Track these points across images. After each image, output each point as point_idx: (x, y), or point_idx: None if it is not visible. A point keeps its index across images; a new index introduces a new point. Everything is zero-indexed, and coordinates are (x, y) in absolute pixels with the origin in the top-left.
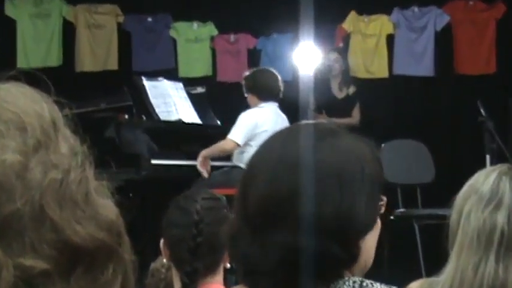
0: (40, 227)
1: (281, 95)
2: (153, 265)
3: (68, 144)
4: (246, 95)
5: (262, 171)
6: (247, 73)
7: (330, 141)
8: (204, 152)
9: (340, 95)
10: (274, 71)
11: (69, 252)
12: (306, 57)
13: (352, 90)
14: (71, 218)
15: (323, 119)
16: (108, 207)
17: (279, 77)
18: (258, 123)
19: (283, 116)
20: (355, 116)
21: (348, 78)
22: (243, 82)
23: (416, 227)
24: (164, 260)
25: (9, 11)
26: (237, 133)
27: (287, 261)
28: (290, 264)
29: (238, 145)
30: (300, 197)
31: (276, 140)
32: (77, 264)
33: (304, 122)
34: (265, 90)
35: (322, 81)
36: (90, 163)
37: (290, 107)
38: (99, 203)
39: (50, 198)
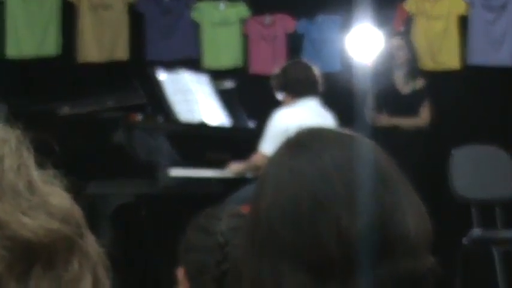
0: None
1: (320, 88)
2: None
3: None
4: (279, 96)
5: (337, 199)
6: (275, 71)
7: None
8: (235, 168)
9: (405, 89)
10: (305, 61)
11: (21, 250)
12: (361, 43)
13: (420, 83)
14: (14, 210)
15: (384, 120)
16: (59, 196)
17: (313, 67)
18: (290, 126)
19: (327, 114)
20: (424, 116)
21: (415, 69)
22: (272, 83)
23: (496, 254)
24: None
25: None
26: (267, 144)
27: None
28: None
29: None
30: (391, 224)
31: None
32: (33, 262)
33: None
34: (299, 85)
35: (382, 73)
36: (27, 149)
37: (340, 105)
38: (47, 191)
39: None
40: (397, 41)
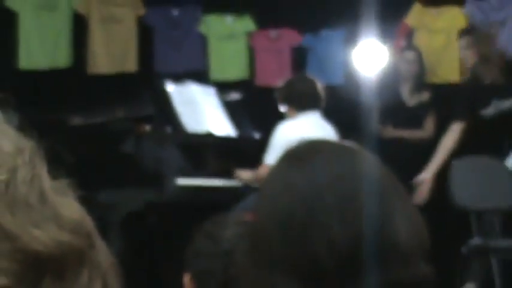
0: None
1: (322, 102)
2: None
3: (11, 141)
4: (282, 108)
5: (325, 210)
6: (280, 84)
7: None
8: (243, 176)
9: (411, 102)
10: (309, 75)
11: (31, 263)
12: (365, 57)
13: (425, 96)
14: (26, 223)
15: (389, 132)
16: (70, 207)
17: (317, 82)
18: (292, 138)
19: (328, 127)
20: (428, 128)
21: (422, 82)
22: (276, 95)
23: (495, 262)
24: None
25: (11, 1)
26: (271, 156)
27: None
28: None
29: None
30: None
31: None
32: (43, 274)
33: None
34: (303, 99)
35: (388, 86)
36: (41, 159)
37: (344, 117)
38: (59, 203)
39: None
40: (409, 55)
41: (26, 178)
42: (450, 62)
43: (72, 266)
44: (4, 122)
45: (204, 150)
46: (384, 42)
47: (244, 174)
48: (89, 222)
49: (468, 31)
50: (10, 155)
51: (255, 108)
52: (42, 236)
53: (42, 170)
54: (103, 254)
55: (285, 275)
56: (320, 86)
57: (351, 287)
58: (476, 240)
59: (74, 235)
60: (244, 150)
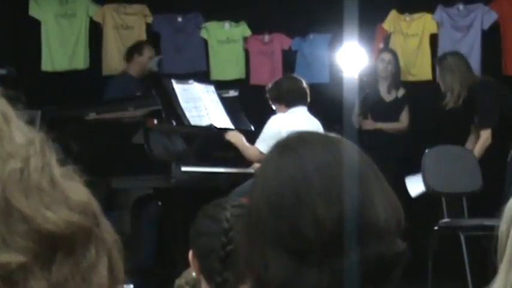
0: (9, 220)
1: (309, 99)
2: (177, 282)
3: (23, 133)
4: (273, 106)
5: (313, 192)
6: (269, 85)
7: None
8: (233, 136)
9: (388, 97)
10: (296, 76)
11: (45, 241)
12: (349, 58)
13: (401, 92)
14: (39, 206)
15: (369, 124)
16: (77, 190)
17: (303, 81)
18: (282, 130)
19: (315, 121)
20: (403, 121)
21: (398, 80)
22: (267, 95)
23: (463, 238)
24: (193, 274)
25: (34, 11)
26: (261, 142)
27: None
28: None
29: (261, 154)
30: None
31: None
32: (55, 251)
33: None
34: (291, 96)
35: (368, 84)
36: (49, 149)
37: (329, 112)
38: (68, 187)
39: (14, 188)
40: (388, 56)
41: (37, 166)
42: (422, 62)
43: (81, 242)
44: (16, 118)
45: (205, 141)
46: (364, 45)
47: (236, 137)
48: (94, 204)
49: (438, 60)
50: (23, 146)
51: (250, 103)
52: (54, 217)
53: (52, 159)
54: (108, 231)
55: (276, 250)
56: (305, 84)
57: (334, 260)
58: (446, 220)
59: (82, 216)
60: None
